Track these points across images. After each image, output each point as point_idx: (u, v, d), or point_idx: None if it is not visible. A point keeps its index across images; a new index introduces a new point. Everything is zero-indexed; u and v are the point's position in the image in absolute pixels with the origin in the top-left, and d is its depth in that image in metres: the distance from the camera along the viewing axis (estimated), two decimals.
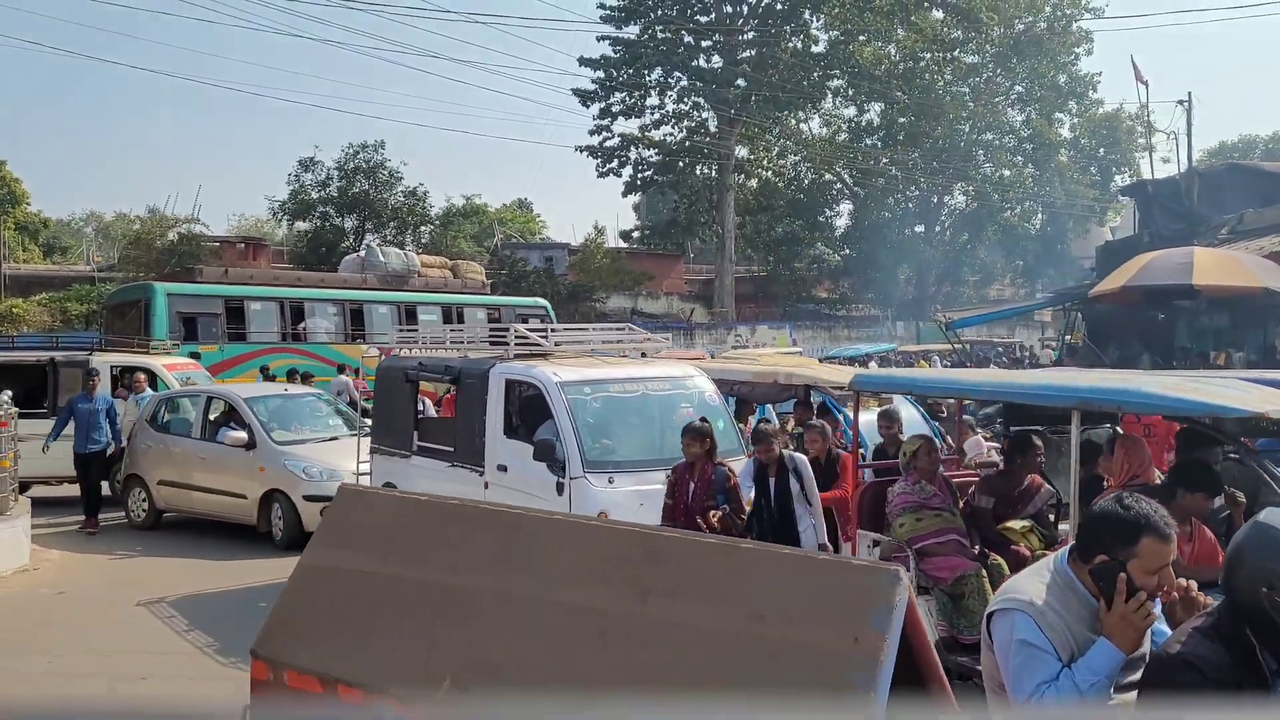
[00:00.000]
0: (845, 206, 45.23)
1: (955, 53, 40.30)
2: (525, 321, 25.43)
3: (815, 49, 40.10)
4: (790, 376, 8.85)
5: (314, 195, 33.57)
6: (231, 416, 12.75)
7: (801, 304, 44.16)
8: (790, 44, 39.17)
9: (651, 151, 39.97)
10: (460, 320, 24.23)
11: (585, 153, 39.05)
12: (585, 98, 38.69)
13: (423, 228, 33.81)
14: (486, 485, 8.23)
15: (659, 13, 38.63)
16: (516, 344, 8.83)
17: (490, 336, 9.65)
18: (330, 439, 12.54)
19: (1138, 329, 21.03)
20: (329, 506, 3.36)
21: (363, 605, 3.11)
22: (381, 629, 3.02)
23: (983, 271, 47.51)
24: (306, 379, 16.30)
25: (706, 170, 40.48)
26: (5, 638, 8.34)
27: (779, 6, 38.20)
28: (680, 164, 40.01)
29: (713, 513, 6.34)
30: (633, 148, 39.44)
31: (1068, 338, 25.59)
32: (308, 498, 11.50)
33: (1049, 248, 45.34)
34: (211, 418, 12.79)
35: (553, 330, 9.33)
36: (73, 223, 74.15)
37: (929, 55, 41.16)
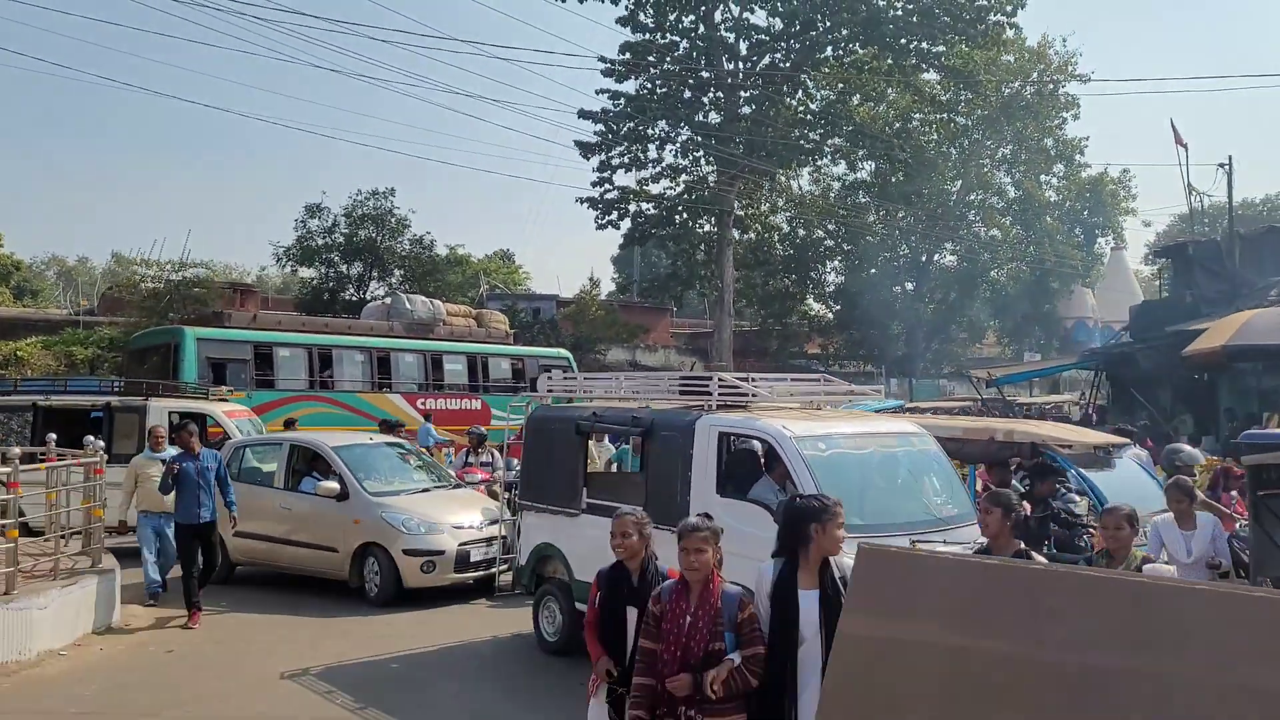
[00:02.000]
0: (837, 263, 45.44)
1: (950, 114, 40.88)
2: (549, 373, 25.10)
3: (813, 106, 40.50)
4: (1010, 434, 8.36)
5: (319, 241, 33.08)
6: (314, 465, 12.27)
7: (794, 360, 44.17)
8: (789, 102, 39.51)
9: (649, 205, 39.90)
10: (485, 370, 23.85)
11: (586, 204, 38.91)
12: (586, 150, 38.63)
13: (429, 278, 33.32)
14: None
15: (662, 68, 38.80)
16: (720, 393, 8.08)
17: (682, 385, 8.84)
18: (422, 490, 12.10)
19: (1173, 389, 21.15)
20: (856, 570, 3.04)
21: (938, 684, 2.78)
22: (974, 711, 2.70)
23: (970, 329, 47.95)
24: (396, 429, 15.72)
25: (707, 225, 40.50)
26: (156, 702, 7.82)
27: (782, 64, 38.56)
28: (680, 217, 40.01)
29: (713, 674, 4.32)
30: (633, 200, 39.37)
31: (1084, 398, 25.77)
32: (408, 552, 11.07)
33: (1036, 307, 45.92)
34: (294, 467, 12.27)
35: (751, 380, 8.62)
36: (34, 265, 72.88)
37: (920, 116, 41.78)
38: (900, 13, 37.39)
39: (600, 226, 39.77)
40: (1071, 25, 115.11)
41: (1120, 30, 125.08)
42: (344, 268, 33.55)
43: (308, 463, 12.34)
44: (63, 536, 9.90)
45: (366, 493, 11.52)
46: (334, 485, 11.52)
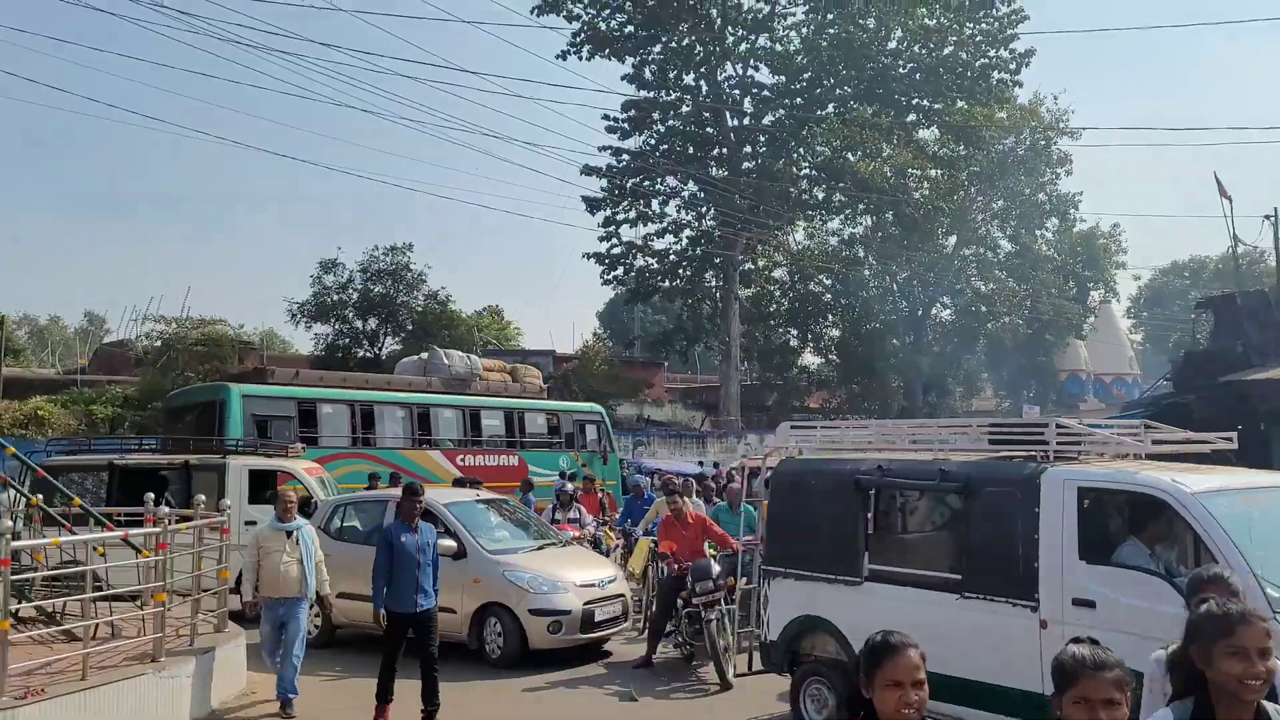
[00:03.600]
0: (836, 317, 45.59)
1: (948, 170, 41.31)
2: (584, 429, 24.79)
3: (815, 161, 40.81)
4: None
5: (334, 297, 32.68)
6: None
7: (794, 414, 44.09)
8: (793, 157, 39.83)
9: (653, 260, 39.86)
10: (522, 425, 23.50)
11: (593, 259, 38.85)
12: (592, 205, 38.62)
13: (444, 333, 32.95)
14: (1045, 624, 6.60)
15: (666, 125, 39.08)
16: (1059, 441, 7.06)
17: (993, 432, 7.82)
18: (537, 548, 11.76)
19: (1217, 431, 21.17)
20: None
21: None
22: None
23: (967, 383, 48.25)
24: (476, 485, 15.36)
25: (711, 279, 40.52)
26: None
27: (786, 121, 38.94)
28: (687, 272, 39.96)
29: None
30: (639, 255, 39.35)
31: None
32: (534, 612, 10.72)
33: (1032, 360, 46.37)
34: None
35: (1081, 424, 7.69)
36: (6, 325, 71.49)
37: (918, 171, 42.21)
38: (905, 70, 37.94)
39: (606, 282, 39.79)
40: (1067, 78, 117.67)
41: (1120, 79, 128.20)
42: (358, 323, 33.14)
43: None
44: (197, 599, 9.46)
45: (485, 550, 11.18)
46: (451, 544, 11.14)
